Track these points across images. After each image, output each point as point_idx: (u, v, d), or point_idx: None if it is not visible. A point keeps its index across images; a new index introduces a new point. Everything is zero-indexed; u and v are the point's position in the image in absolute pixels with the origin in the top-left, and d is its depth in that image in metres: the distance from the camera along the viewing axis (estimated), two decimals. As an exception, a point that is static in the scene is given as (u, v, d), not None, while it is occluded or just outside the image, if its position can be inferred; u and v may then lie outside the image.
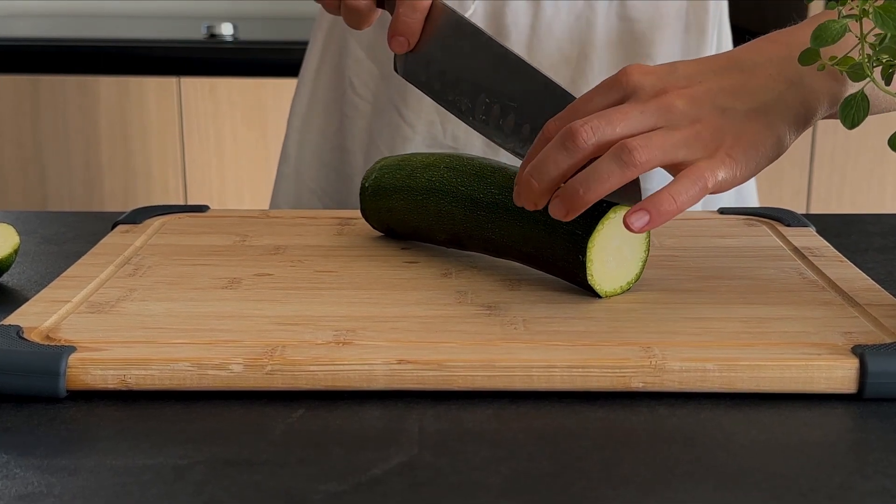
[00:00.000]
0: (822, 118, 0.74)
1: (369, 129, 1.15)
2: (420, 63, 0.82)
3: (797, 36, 0.74)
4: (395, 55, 0.83)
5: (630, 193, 0.71)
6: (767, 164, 0.71)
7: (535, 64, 0.79)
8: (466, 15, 1.06)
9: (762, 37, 0.75)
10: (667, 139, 0.68)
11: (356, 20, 0.84)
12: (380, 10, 0.85)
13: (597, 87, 0.72)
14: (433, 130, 1.11)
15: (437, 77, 0.82)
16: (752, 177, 0.71)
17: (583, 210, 0.68)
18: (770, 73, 0.72)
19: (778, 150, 0.71)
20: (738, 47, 0.75)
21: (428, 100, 1.09)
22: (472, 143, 1.11)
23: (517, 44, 1.07)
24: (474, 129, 0.80)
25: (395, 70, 0.84)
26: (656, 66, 0.73)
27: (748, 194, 1.21)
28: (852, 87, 0.72)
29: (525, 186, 0.69)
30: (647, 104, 0.69)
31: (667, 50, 1.08)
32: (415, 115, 1.12)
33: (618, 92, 0.71)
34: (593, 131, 0.67)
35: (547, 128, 0.71)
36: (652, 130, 0.68)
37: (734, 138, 0.69)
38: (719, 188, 0.69)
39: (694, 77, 0.72)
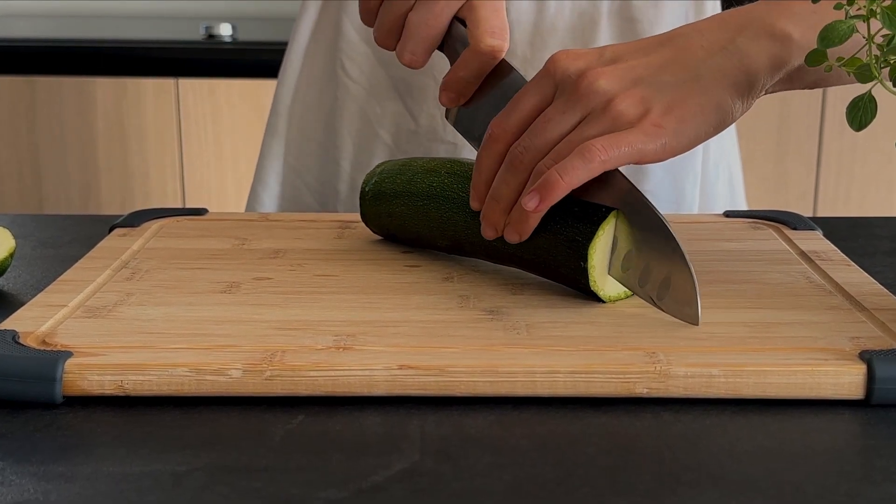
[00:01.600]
0: (775, 88, 0.75)
1: (364, 114, 1.14)
2: (473, 117, 0.81)
3: (737, 10, 0.75)
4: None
5: (613, 191, 0.72)
6: (712, 133, 0.72)
7: (536, 61, 0.79)
8: None
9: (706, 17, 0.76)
10: (587, 132, 0.70)
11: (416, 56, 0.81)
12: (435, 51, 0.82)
13: (531, 79, 0.74)
14: (434, 124, 1.11)
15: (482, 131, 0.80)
16: (690, 146, 0.71)
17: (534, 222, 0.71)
18: (700, 44, 0.73)
19: (719, 117, 0.72)
20: (677, 27, 0.76)
21: (431, 93, 1.10)
22: None
23: (520, 41, 1.08)
24: None
25: (447, 117, 0.83)
26: (584, 50, 0.74)
27: (736, 187, 1.21)
28: (798, 50, 0.72)
29: (488, 213, 0.74)
30: (569, 100, 0.72)
31: None
32: (418, 106, 1.11)
33: (548, 81, 0.73)
34: (525, 150, 0.72)
35: (490, 127, 0.74)
36: (581, 121, 0.71)
37: (664, 107, 0.70)
38: (646, 160, 0.70)
39: (620, 57, 0.73)
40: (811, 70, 0.73)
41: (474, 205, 0.76)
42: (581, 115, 0.71)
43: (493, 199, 0.74)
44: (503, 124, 0.74)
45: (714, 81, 0.71)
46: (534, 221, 0.72)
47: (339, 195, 1.16)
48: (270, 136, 1.20)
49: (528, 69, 1.08)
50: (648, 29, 1.08)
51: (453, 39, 0.80)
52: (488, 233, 0.75)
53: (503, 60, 0.79)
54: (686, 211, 1.12)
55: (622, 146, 0.69)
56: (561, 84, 0.73)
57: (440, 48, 0.81)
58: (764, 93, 0.74)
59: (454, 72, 0.79)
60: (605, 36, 1.08)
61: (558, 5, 1.08)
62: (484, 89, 0.80)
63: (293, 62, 1.18)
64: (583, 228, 0.71)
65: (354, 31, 1.13)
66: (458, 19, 0.79)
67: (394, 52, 0.81)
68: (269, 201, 1.20)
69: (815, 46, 0.68)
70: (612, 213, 0.71)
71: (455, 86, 0.80)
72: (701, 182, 1.14)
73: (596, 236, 0.71)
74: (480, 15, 0.77)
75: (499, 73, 0.79)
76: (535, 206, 0.70)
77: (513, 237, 0.73)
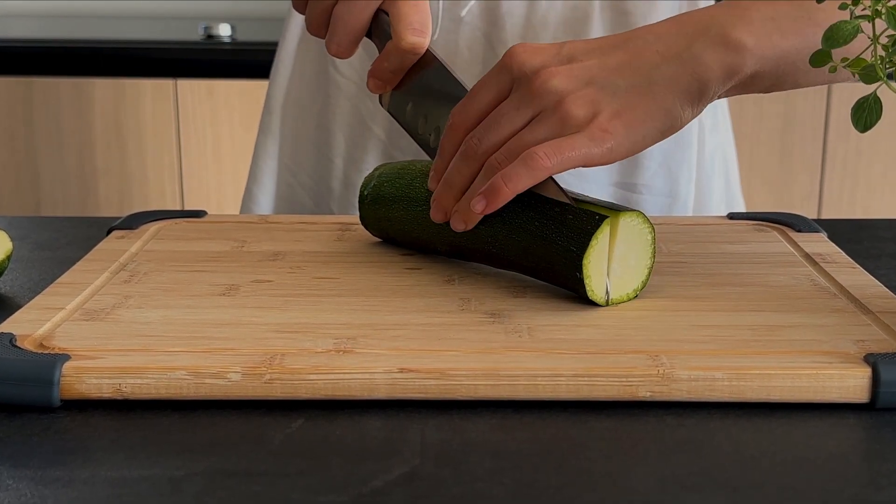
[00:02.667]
0: (728, 94, 0.76)
1: (357, 111, 1.15)
2: (403, 103, 0.85)
3: (697, 13, 0.76)
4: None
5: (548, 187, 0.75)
6: (659, 138, 0.74)
7: None
8: (467, 7, 1.07)
9: (668, 18, 0.78)
10: (538, 131, 0.72)
11: (342, 46, 0.85)
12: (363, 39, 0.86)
13: (489, 71, 0.77)
14: None
15: (422, 120, 0.84)
16: (638, 150, 0.74)
17: (493, 208, 0.73)
18: (656, 48, 0.74)
19: (667, 123, 0.74)
20: (637, 27, 0.77)
21: None
22: None
23: (511, 35, 1.08)
24: None
25: (380, 102, 0.87)
26: (543, 45, 0.77)
27: (737, 198, 1.21)
28: (752, 59, 0.74)
29: (439, 197, 0.77)
30: (523, 97, 0.74)
31: None
32: None
33: (506, 75, 0.76)
34: (479, 141, 0.75)
35: (451, 116, 0.77)
36: (533, 118, 0.73)
37: (612, 111, 0.72)
38: (592, 163, 0.72)
39: (577, 55, 0.75)
40: (766, 76, 0.75)
41: (431, 185, 0.79)
42: (533, 112, 0.74)
43: (445, 183, 0.77)
44: (462, 114, 0.77)
45: (665, 88, 0.73)
46: (476, 217, 0.75)
47: (333, 193, 1.16)
48: (264, 135, 1.20)
49: None
50: (642, 21, 1.08)
51: (380, 28, 0.84)
52: (437, 216, 0.78)
53: (427, 51, 0.82)
54: (682, 204, 1.12)
55: (566, 152, 0.71)
56: (517, 79, 0.75)
57: (369, 35, 0.85)
58: (716, 98, 0.76)
59: (379, 62, 0.83)
60: (597, 30, 1.08)
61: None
62: (412, 76, 0.83)
63: (284, 61, 1.19)
64: (577, 239, 0.72)
65: None
66: (382, 10, 0.83)
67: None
68: (265, 200, 1.20)
69: (768, 55, 0.72)
70: (606, 221, 0.71)
71: (380, 74, 0.83)
72: (697, 176, 1.15)
73: (590, 246, 0.71)
74: (401, 11, 0.80)
75: (423, 63, 0.82)
76: (481, 210, 0.73)
77: (458, 225, 0.76)
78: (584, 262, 0.71)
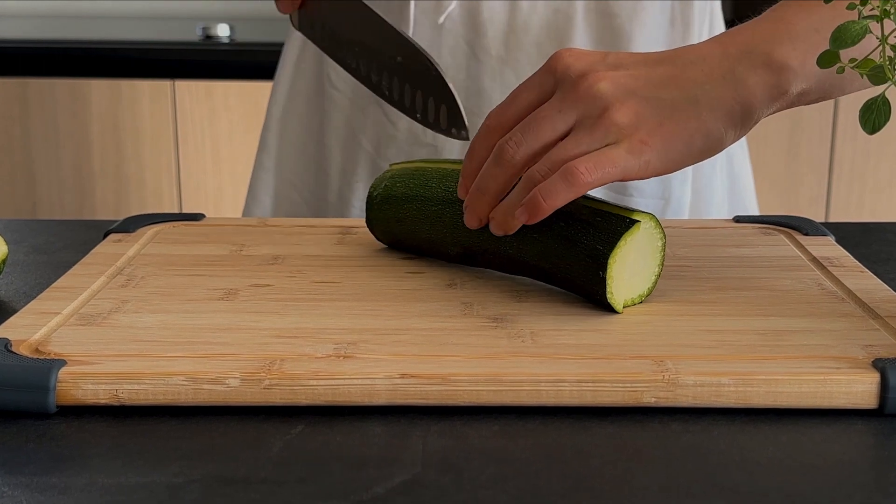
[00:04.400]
0: (778, 110, 0.76)
1: (349, 124, 1.16)
2: (312, 21, 0.90)
3: (740, 33, 0.76)
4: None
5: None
6: (698, 158, 0.73)
7: (511, 61, 0.83)
8: (445, 13, 1.07)
9: (711, 37, 0.78)
10: (581, 141, 0.72)
11: None
12: None
13: (533, 75, 0.77)
14: (414, 128, 1.13)
15: (328, 36, 0.89)
16: (675, 168, 0.73)
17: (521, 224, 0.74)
18: (703, 69, 0.74)
19: (708, 144, 0.73)
20: (681, 46, 0.77)
21: None
22: (452, 143, 1.12)
23: (494, 41, 1.08)
24: (370, 90, 0.90)
25: (291, 22, 0.92)
26: (588, 51, 0.76)
27: (748, 201, 1.21)
28: (797, 79, 0.73)
29: (473, 203, 0.76)
30: (567, 98, 0.73)
31: (648, 47, 1.09)
32: (396, 112, 1.12)
33: (549, 77, 0.75)
34: (517, 145, 0.74)
35: (487, 117, 0.77)
36: (575, 124, 0.73)
37: (655, 125, 0.72)
38: (629, 177, 0.71)
39: (623, 65, 0.75)
40: (812, 92, 0.75)
41: (461, 192, 0.78)
42: (576, 116, 0.73)
43: (478, 189, 0.76)
44: (500, 116, 0.76)
45: (708, 107, 0.73)
46: (519, 223, 0.74)
47: (329, 206, 1.17)
48: (262, 152, 1.23)
49: (504, 69, 1.09)
50: (627, 24, 1.08)
51: None
52: (472, 222, 0.77)
53: None
54: (675, 207, 1.12)
55: (606, 167, 0.70)
56: (561, 81, 0.74)
57: None
58: (762, 118, 0.75)
59: None
60: (581, 33, 1.08)
61: (531, 4, 1.08)
62: None
63: (282, 80, 1.22)
64: (605, 238, 0.72)
65: None
66: None
67: None
68: (263, 215, 1.21)
69: (813, 71, 0.71)
70: (636, 226, 0.71)
71: None
72: (694, 176, 1.14)
73: (617, 247, 0.71)
74: None
75: None
76: (525, 220, 0.73)
77: (498, 231, 0.75)
78: (610, 261, 0.71)
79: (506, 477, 0.54)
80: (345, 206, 1.16)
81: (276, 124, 1.21)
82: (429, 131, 1.12)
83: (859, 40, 0.64)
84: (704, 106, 0.72)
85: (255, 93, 2.23)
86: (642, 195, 1.10)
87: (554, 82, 0.75)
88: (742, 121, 0.73)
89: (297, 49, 1.20)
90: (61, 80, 2.24)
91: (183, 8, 2.70)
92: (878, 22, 0.64)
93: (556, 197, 0.71)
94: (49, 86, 2.24)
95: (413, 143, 1.13)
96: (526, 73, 0.81)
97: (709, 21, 1.14)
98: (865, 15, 0.64)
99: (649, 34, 1.09)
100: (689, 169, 1.13)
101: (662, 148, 0.71)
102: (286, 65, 1.21)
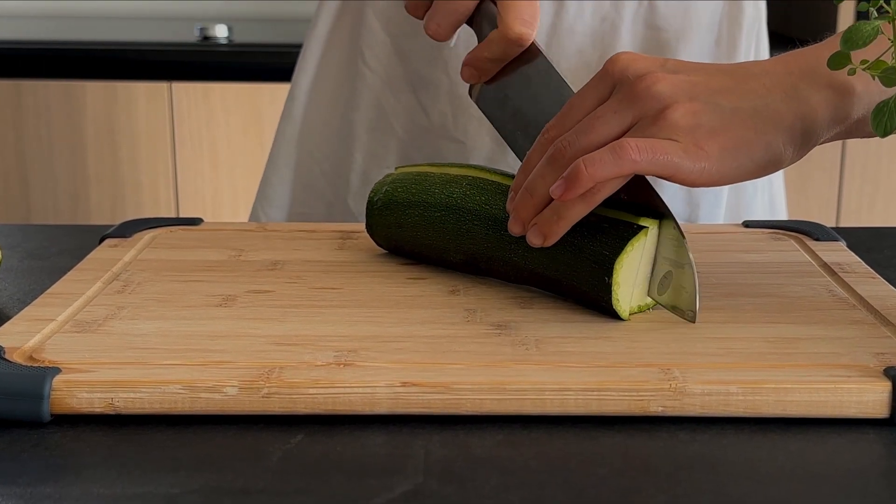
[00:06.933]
0: (835, 138, 0.75)
1: (379, 105, 1.15)
2: (496, 96, 0.83)
3: (802, 54, 0.75)
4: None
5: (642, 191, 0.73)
6: (756, 173, 0.72)
7: (554, 65, 0.81)
8: None
9: (772, 57, 0.77)
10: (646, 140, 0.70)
11: (442, 26, 0.84)
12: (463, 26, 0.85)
13: (589, 81, 0.75)
14: (445, 122, 1.12)
15: (510, 115, 0.83)
16: (732, 179, 0.71)
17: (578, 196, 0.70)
18: (764, 83, 0.73)
19: (768, 158, 0.72)
20: (741, 62, 0.76)
21: (444, 88, 1.11)
22: (482, 140, 1.11)
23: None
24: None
25: (469, 93, 0.86)
26: (647, 56, 0.75)
27: (778, 206, 1.21)
28: (859, 104, 0.72)
29: (519, 206, 0.74)
30: (624, 99, 0.72)
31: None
32: (430, 102, 1.12)
33: (607, 81, 0.74)
34: (570, 144, 0.71)
35: (547, 128, 0.75)
36: (631, 125, 0.71)
37: (713, 130, 0.70)
38: (680, 177, 0.70)
39: (683, 70, 0.74)
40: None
41: (509, 204, 0.76)
42: (633, 116, 0.71)
43: (527, 190, 0.74)
44: (560, 126, 0.74)
45: (769, 120, 0.71)
46: (563, 225, 0.72)
47: (351, 187, 1.16)
48: (286, 120, 1.21)
49: None
50: (673, 40, 1.08)
51: (482, 17, 0.83)
52: (515, 228, 0.74)
53: (532, 43, 0.81)
54: (712, 223, 1.12)
55: (657, 154, 0.69)
56: (619, 83, 0.73)
57: (469, 23, 0.84)
58: (821, 142, 0.74)
59: (479, 51, 0.82)
60: (625, 43, 1.08)
61: (578, 6, 1.08)
62: (508, 70, 0.82)
63: (312, 47, 1.19)
64: (610, 243, 0.72)
65: (376, 20, 1.14)
66: None
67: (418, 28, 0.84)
68: (281, 186, 1.20)
69: (876, 99, 0.69)
70: (643, 231, 0.72)
71: (478, 64, 0.82)
72: (738, 198, 1.15)
73: (624, 251, 0.71)
74: (512, 0, 0.80)
75: (525, 56, 0.81)
76: (560, 194, 0.70)
77: (536, 239, 0.73)
78: (616, 266, 0.71)
79: (509, 487, 0.54)
80: (368, 187, 1.15)
81: (303, 95, 1.19)
82: (459, 126, 1.12)
83: (871, 41, 0.64)
84: (765, 119, 0.71)
85: (253, 95, 2.23)
86: None
87: (612, 85, 0.74)
88: (803, 139, 0.72)
89: (330, 18, 1.18)
90: (55, 81, 2.24)
91: (180, 8, 2.70)
92: (889, 23, 0.64)
93: (599, 166, 0.68)
94: (43, 87, 2.24)
95: (443, 136, 1.13)
96: (565, 77, 0.80)
97: (755, 45, 1.14)
98: (877, 16, 0.64)
99: (694, 52, 1.09)
100: (723, 194, 1.13)
101: (719, 156, 0.70)
102: (318, 35, 1.19)
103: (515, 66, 0.81)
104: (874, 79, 0.69)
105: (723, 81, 0.73)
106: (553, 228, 0.72)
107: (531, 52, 0.81)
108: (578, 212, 0.71)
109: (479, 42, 0.83)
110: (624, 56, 0.74)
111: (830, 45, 0.74)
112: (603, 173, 0.69)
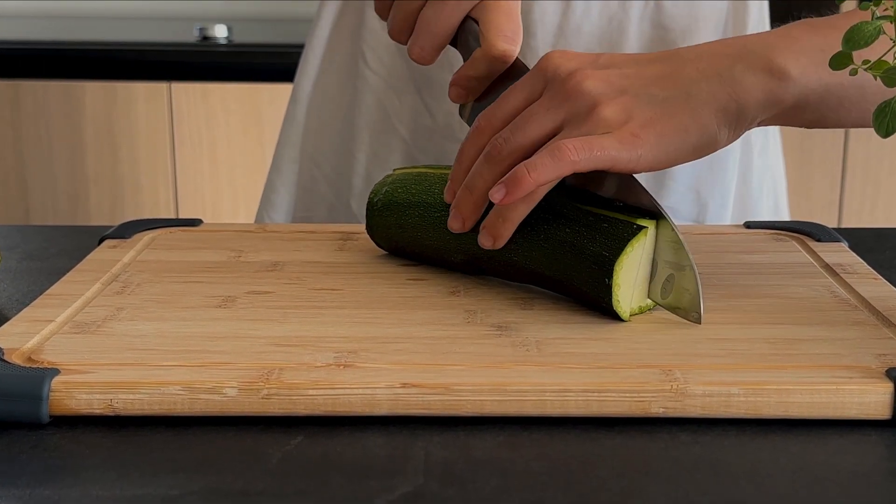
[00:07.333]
0: (768, 122, 0.76)
1: (381, 106, 1.15)
2: None
3: (743, 37, 0.77)
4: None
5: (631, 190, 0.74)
6: (692, 155, 0.74)
7: None
8: None
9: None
10: (570, 136, 0.72)
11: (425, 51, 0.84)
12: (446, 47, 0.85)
13: (523, 76, 0.77)
14: (450, 122, 1.12)
15: None
16: (669, 163, 0.73)
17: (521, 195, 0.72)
18: (698, 67, 0.75)
19: (702, 140, 0.73)
20: (680, 47, 0.78)
21: None
22: None
23: (542, 42, 1.08)
24: None
25: (460, 114, 0.87)
26: (580, 53, 0.77)
27: (781, 207, 1.21)
28: (794, 88, 0.74)
29: (459, 203, 0.77)
30: (555, 97, 0.74)
31: None
32: (435, 102, 1.12)
33: (539, 78, 0.76)
34: (505, 142, 0.74)
35: (477, 120, 0.77)
36: (563, 123, 0.73)
37: (646, 119, 0.72)
38: (619, 168, 0.72)
39: (615, 64, 0.76)
40: (809, 109, 0.75)
41: (447, 196, 0.79)
42: (565, 114, 0.74)
43: (466, 188, 0.76)
44: (490, 118, 0.77)
45: (703, 104, 0.73)
46: (509, 227, 0.74)
47: (353, 189, 1.17)
48: (289, 124, 1.21)
49: None
50: (679, 39, 1.08)
51: (466, 36, 0.83)
52: (455, 224, 0.78)
53: (516, 59, 0.81)
54: (714, 224, 1.12)
55: (594, 150, 0.70)
56: (550, 81, 0.75)
57: (453, 44, 0.84)
58: (755, 125, 0.76)
59: (464, 70, 0.82)
60: (632, 44, 1.08)
61: (585, 6, 1.08)
62: (496, 87, 0.82)
63: (315, 49, 1.19)
64: (610, 244, 0.72)
65: (377, 22, 1.14)
66: (471, 17, 0.82)
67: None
68: (285, 190, 1.20)
69: (812, 86, 0.72)
70: (643, 231, 0.72)
71: (464, 83, 0.83)
72: (743, 201, 1.15)
73: (624, 252, 0.71)
74: (493, 18, 0.80)
75: (512, 73, 0.81)
76: (500, 198, 0.72)
77: (486, 241, 0.76)
78: (616, 267, 0.71)
79: (510, 489, 0.54)
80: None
81: (305, 97, 1.20)
82: (465, 127, 1.12)
83: (872, 41, 0.64)
84: (698, 102, 0.73)
85: (253, 95, 2.23)
86: (675, 216, 1.10)
87: (544, 83, 0.76)
88: (737, 120, 0.74)
89: (331, 19, 1.18)
90: (54, 81, 2.24)
91: (179, 8, 2.71)
92: (891, 22, 0.64)
93: (542, 170, 0.71)
94: (42, 88, 2.24)
95: (448, 136, 1.13)
96: None
97: None
98: (879, 16, 0.64)
99: None
100: (729, 194, 1.13)
101: (655, 142, 0.72)
102: (320, 37, 1.19)
103: (503, 83, 0.82)
104: (816, 67, 0.72)
105: (657, 69, 0.75)
106: (500, 231, 0.75)
107: (517, 68, 0.81)
108: (521, 212, 0.74)
109: (464, 61, 0.83)
110: (556, 54, 0.76)
111: (774, 33, 0.77)
112: (545, 176, 0.71)
